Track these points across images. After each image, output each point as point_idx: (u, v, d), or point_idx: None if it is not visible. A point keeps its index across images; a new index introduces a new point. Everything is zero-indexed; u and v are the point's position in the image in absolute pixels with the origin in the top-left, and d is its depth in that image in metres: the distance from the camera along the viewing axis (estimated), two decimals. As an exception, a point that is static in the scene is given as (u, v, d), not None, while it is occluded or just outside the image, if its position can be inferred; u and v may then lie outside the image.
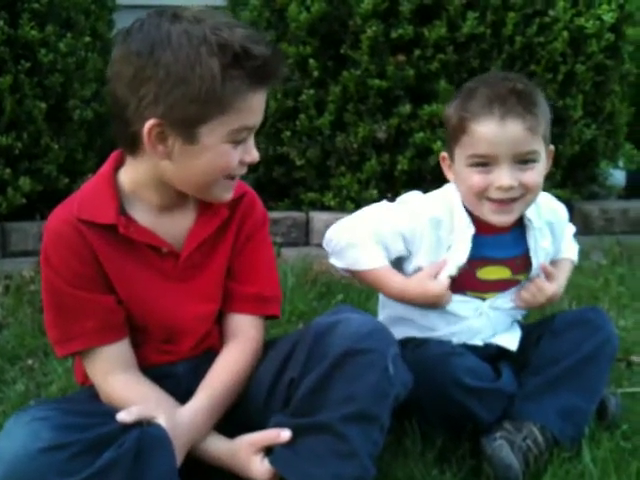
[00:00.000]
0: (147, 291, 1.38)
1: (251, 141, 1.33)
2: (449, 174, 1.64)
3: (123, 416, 1.21)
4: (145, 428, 1.22)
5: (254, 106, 1.29)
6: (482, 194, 1.54)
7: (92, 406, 1.36)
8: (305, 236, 3.12)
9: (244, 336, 1.44)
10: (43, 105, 2.86)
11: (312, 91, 3.04)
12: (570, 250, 1.83)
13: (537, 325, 1.75)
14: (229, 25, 1.26)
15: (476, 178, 1.54)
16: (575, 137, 3.16)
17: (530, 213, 1.63)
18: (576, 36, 3.04)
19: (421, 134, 2.96)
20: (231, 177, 1.34)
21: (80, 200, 1.36)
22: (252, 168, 3.34)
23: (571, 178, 3.30)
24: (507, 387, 1.59)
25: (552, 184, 3.16)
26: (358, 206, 3.07)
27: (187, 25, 1.24)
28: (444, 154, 1.65)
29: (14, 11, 2.80)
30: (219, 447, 1.33)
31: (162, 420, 1.25)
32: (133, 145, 1.30)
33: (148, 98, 1.23)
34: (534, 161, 1.54)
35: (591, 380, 1.61)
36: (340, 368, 1.26)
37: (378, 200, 2.95)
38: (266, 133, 3.19)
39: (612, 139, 3.40)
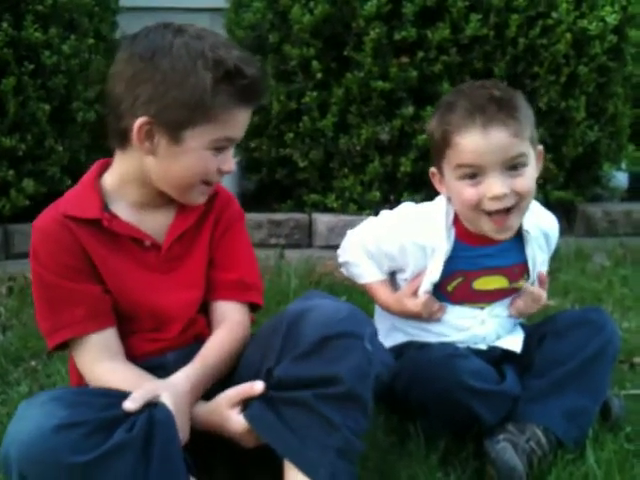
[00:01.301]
0: (132, 281, 1.44)
1: (230, 152, 1.43)
2: (441, 189, 1.64)
3: (128, 405, 1.22)
4: (152, 410, 1.23)
5: (237, 121, 1.40)
6: (477, 207, 1.53)
7: (102, 389, 1.38)
8: (308, 238, 3.13)
9: (231, 320, 1.49)
10: (47, 107, 2.86)
11: (315, 93, 3.04)
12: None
13: (539, 326, 1.74)
14: (226, 45, 1.38)
15: (468, 191, 1.53)
16: (578, 139, 3.16)
17: (527, 224, 1.63)
18: (579, 38, 3.03)
19: (424, 136, 2.96)
20: (207, 183, 1.44)
21: (66, 201, 1.46)
22: (255, 170, 3.38)
23: (574, 180, 3.30)
24: (511, 389, 1.59)
25: (555, 186, 3.16)
26: (361, 208, 3.11)
27: (189, 39, 1.35)
28: (433, 170, 1.64)
29: (18, 13, 2.81)
30: (199, 409, 1.36)
31: (166, 398, 1.27)
32: (122, 139, 1.40)
33: (142, 98, 1.34)
34: (524, 165, 1.52)
35: (594, 381, 1.61)
36: (318, 353, 1.27)
37: (381, 202, 3.02)
38: (269, 135, 3.19)
39: (615, 141, 3.40)
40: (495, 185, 1.50)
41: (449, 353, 1.57)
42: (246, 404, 1.32)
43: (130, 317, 1.45)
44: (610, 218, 3.29)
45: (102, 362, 1.39)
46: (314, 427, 1.25)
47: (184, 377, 1.35)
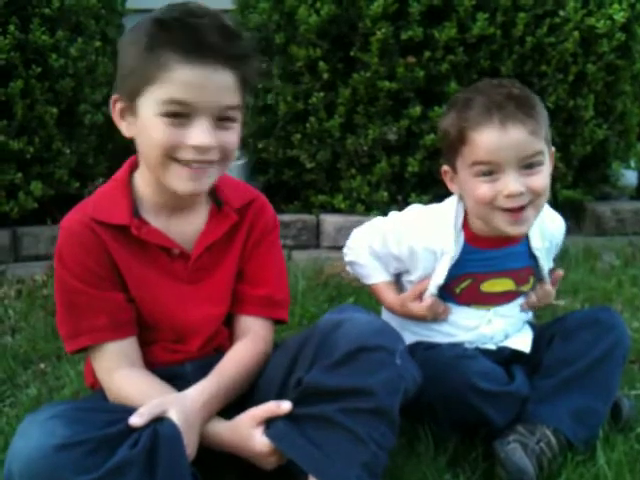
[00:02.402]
0: (157, 291, 1.41)
1: (198, 123, 1.27)
2: (453, 187, 1.63)
3: (135, 421, 1.20)
4: (157, 426, 1.21)
5: (183, 79, 1.24)
6: (491, 204, 1.52)
7: (106, 404, 1.37)
8: (316, 239, 3.12)
9: (254, 335, 1.46)
10: (54, 110, 2.87)
11: (322, 93, 3.03)
12: None
13: (549, 326, 1.74)
14: (183, 4, 1.28)
15: (483, 188, 1.52)
16: (586, 137, 3.14)
17: (535, 241, 1.63)
18: (587, 36, 3.01)
19: (431, 136, 2.95)
20: (179, 161, 1.29)
21: (95, 202, 1.41)
22: (262, 171, 3.39)
23: (583, 179, 3.28)
24: (520, 390, 1.58)
25: (564, 185, 3.15)
26: (368, 208, 3.10)
27: (159, 11, 1.29)
28: (445, 168, 1.63)
29: (25, 16, 2.81)
30: (220, 427, 1.32)
31: (173, 414, 1.24)
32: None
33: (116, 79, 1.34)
34: (540, 164, 1.52)
35: (604, 381, 1.60)
36: (350, 364, 1.25)
37: (388, 202, 3.01)
38: (276, 136, 3.19)
39: (624, 139, 3.37)
40: (511, 183, 1.49)
41: (458, 354, 1.56)
42: (268, 423, 1.28)
43: (152, 326, 1.42)
44: (619, 217, 3.26)
45: (119, 370, 1.37)
46: (340, 441, 1.23)
47: (198, 391, 1.32)
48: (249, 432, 1.28)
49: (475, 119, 1.51)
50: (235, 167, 3.26)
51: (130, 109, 1.31)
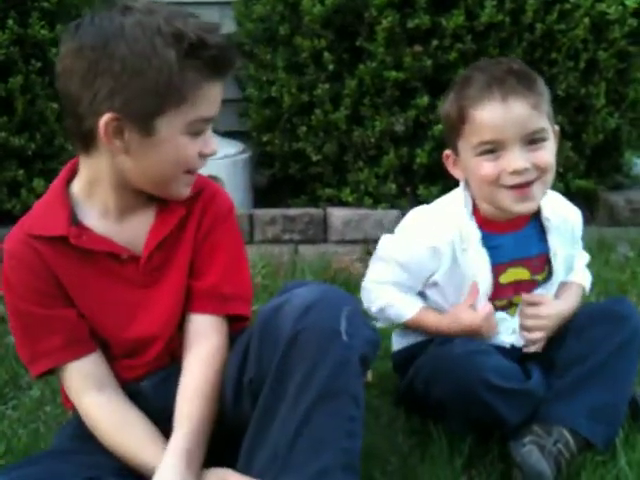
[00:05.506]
0: (108, 302, 1.34)
1: (209, 133, 1.31)
2: (455, 171, 1.60)
3: None
4: None
5: (210, 97, 1.28)
6: (496, 182, 1.49)
7: (55, 467, 1.30)
8: (323, 233, 3.07)
9: (206, 346, 1.35)
10: (55, 105, 2.83)
11: (327, 85, 2.99)
12: (581, 276, 1.74)
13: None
14: (182, 15, 1.26)
15: (487, 166, 1.49)
16: (598, 126, 3.08)
17: (548, 211, 1.59)
18: (598, 22, 2.96)
19: (440, 126, 2.89)
20: (190, 172, 1.32)
21: (31, 216, 1.36)
22: (268, 164, 3.33)
23: (595, 168, 3.23)
24: (537, 389, 1.54)
25: (576, 174, 3.10)
26: (376, 201, 3.06)
27: (140, 17, 1.23)
28: (447, 152, 1.60)
29: (24, 10, 2.78)
30: None
31: None
32: (88, 142, 1.28)
33: (103, 92, 1.21)
34: (543, 140, 1.49)
35: (620, 375, 1.55)
36: (291, 354, 1.19)
37: (397, 195, 2.96)
38: (281, 129, 3.15)
39: (636, 128, 3.32)
40: (516, 159, 1.46)
41: (472, 349, 1.51)
42: None
43: (104, 342, 1.36)
44: (633, 207, 3.20)
45: (88, 392, 1.32)
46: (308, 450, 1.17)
47: (176, 461, 1.23)
48: None
49: (476, 96, 1.48)
50: (240, 161, 3.22)
51: (138, 128, 1.26)
